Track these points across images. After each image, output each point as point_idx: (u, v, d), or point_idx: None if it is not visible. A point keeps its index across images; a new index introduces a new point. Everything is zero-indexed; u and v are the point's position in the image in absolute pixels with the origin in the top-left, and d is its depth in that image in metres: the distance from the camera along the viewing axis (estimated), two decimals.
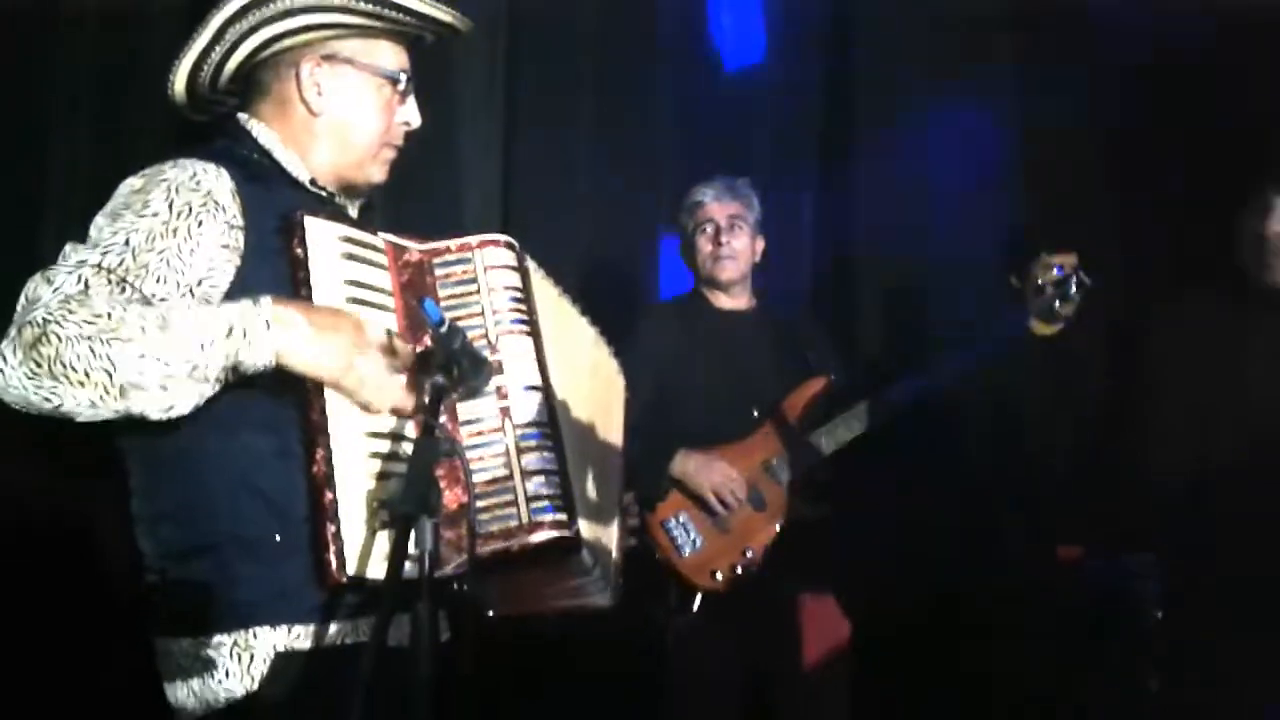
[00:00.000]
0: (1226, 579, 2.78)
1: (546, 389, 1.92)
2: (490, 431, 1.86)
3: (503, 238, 2.00)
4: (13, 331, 1.65)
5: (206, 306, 1.71)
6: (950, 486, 3.67)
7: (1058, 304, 3.23)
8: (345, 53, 1.95)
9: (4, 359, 1.63)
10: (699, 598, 3.15)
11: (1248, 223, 2.86)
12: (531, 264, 2.03)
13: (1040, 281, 3.28)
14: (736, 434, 3.28)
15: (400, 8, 1.93)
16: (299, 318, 1.71)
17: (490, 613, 2.09)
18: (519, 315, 1.94)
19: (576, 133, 3.95)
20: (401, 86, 1.99)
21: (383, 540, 1.71)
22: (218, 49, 1.93)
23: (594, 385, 2.19)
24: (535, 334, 1.95)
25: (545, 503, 1.83)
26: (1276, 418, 2.81)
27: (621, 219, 4.01)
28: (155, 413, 1.67)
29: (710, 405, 3.30)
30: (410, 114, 2.02)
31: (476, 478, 1.82)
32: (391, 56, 1.99)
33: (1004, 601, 3.55)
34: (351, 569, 1.70)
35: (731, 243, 3.35)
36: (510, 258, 1.98)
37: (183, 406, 1.68)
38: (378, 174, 2.02)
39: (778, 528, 3.22)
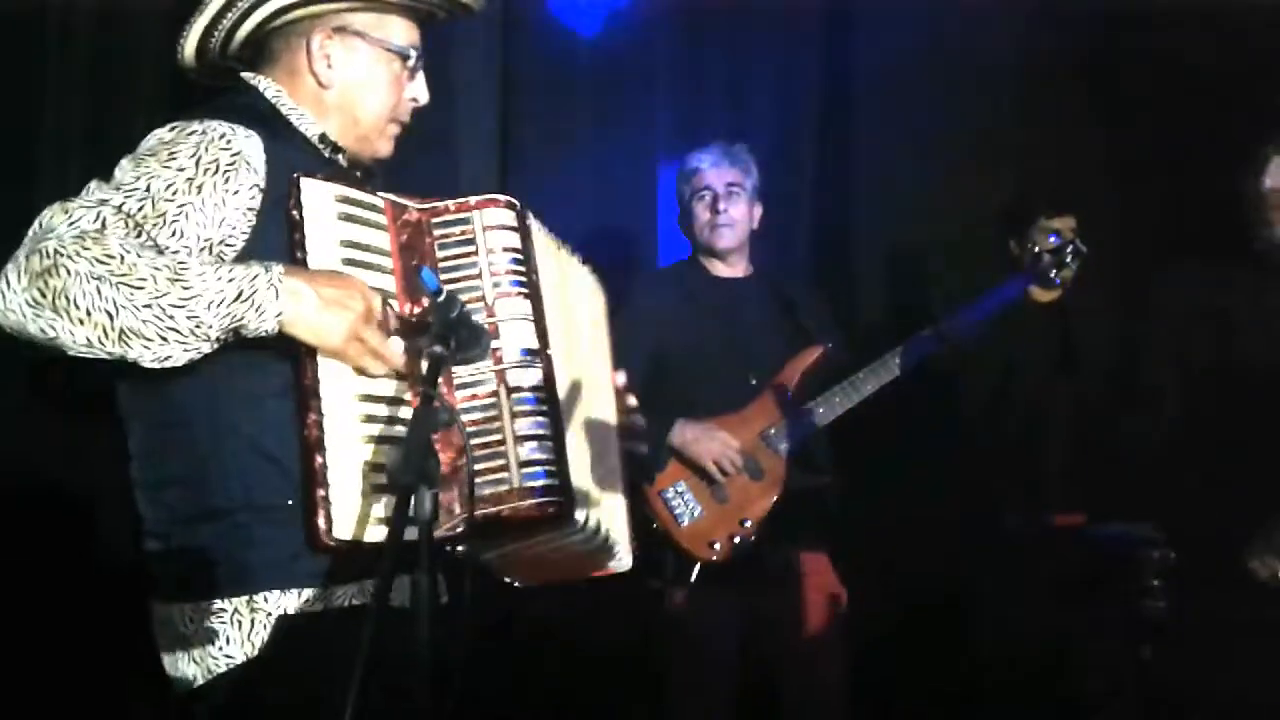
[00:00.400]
0: (1225, 549, 2.77)
1: (544, 353, 1.90)
2: (485, 396, 1.85)
3: (503, 197, 1.97)
4: (20, 256, 1.65)
5: (219, 265, 1.70)
6: (949, 454, 3.67)
7: (1054, 271, 3.23)
8: (356, 25, 1.95)
9: (7, 283, 1.63)
10: (697, 568, 3.14)
11: (1246, 181, 2.85)
12: (532, 220, 2.01)
13: (1037, 248, 3.28)
14: (735, 403, 3.27)
15: None
16: (308, 289, 1.71)
17: (515, 584, 2.10)
18: (518, 277, 1.91)
19: (574, 99, 3.92)
20: (411, 62, 2.00)
21: (375, 505, 1.71)
22: (230, 14, 1.93)
23: (594, 337, 2.17)
24: (535, 296, 1.92)
25: (537, 468, 1.81)
26: (1274, 378, 2.80)
27: (620, 185, 3.98)
28: (149, 361, 1.67)
29: (709, 374, 3.28)
30: (419, 90, 2.03)
31: (470, 441, 1.80)
32: (402, 32, 2.00)
33: (1002, 567, 3.55)
34: (342, 532, 1.70)
35: (729, 210, 3.33)
36: (510, 218, 1.95)
37: (177, 360, 1.68)
38: (384, 148, 2.04)
39: (776, 497, 3.21)
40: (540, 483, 1.81)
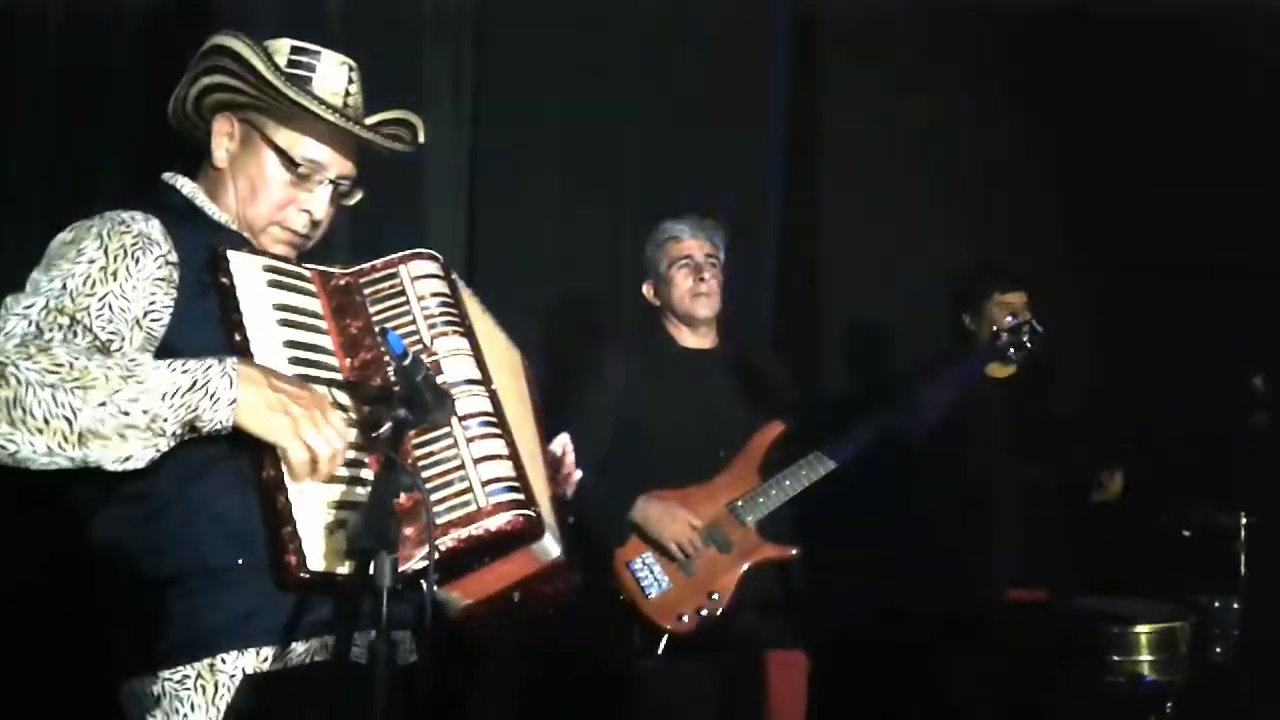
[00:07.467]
0: None
1: (487, 381, 1.93)
2: (438, 429, 1.85)
3: (426, 251, 2.03)
4: None
5: (172, 359, 1.72)
6: (913, 527, 3.68)
7: (1012, 350, 3.29)
8: (257, 120, 1.98)
9: None
10: (665, 640, 3.13)
11: None
12: (456, 276, 2.05)
13: (995, 328, 3.34)
14: (702, 474, 3.27)
15: (317, 100, 1.94)
16: (261, 377, 1.73)
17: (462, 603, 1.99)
18: (450, 317, 1.96)
19: (540, 179, 3.98)
20: (303, 171, 1.99)
21: (340, 538, 1.72)
22: (181, 86, 1.99)
23: (518, 386, 2.18)
24: (469, 333, 1.97)
25: (500, 485, 1.82)
26: None
27: (586, 259, 4.03)
28: (110, 462, 1.68)
29: (676, 446, 3.26)
30: (314, 205, 2.01)
31: (427, 473, 1.81)
32: (311, 142, 1.99)
33: (967, 643, 3.55)
34: (315, 565, 1.70)
35: (710, 280, 3.36)
36: (435, 267, 2.01)
37: (138, 459, 1.69)
38: (271, 248, 2.01)
39: (743, 570, 3.20)
40: (507, 497, 1.81)
